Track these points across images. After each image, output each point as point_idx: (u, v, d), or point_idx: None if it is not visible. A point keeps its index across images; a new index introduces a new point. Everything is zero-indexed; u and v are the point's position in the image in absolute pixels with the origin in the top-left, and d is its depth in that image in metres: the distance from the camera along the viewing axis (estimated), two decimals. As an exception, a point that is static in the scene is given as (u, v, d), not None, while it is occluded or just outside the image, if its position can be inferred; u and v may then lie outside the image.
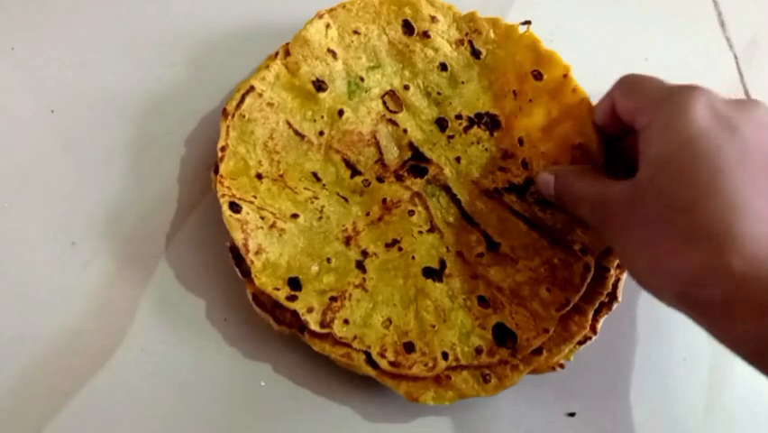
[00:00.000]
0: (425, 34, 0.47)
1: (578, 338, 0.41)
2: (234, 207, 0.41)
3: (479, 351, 0.40)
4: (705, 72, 0.55)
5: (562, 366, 0.41)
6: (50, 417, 0.40)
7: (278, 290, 0.40)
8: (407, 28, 0.47)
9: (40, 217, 0.44)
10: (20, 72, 0.48)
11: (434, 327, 0.41)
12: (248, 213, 0.42)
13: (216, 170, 0.43)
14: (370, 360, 0.40)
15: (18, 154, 0.46)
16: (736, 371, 0.46)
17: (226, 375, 0.42)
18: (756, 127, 0.33)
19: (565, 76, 0.45)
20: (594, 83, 0.45)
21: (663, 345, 0.45)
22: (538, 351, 0.41)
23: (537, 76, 0.45)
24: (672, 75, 0.53)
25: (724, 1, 0.58)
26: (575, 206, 0.39)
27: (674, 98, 0.34)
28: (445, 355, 0.40)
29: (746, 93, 0.55)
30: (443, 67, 0.47)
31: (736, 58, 0.56)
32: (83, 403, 0.40)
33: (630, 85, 0.38)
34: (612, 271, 0.42)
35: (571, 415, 0.43)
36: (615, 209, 0.35)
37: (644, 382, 0.45)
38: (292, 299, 0.40)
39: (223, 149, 0.43)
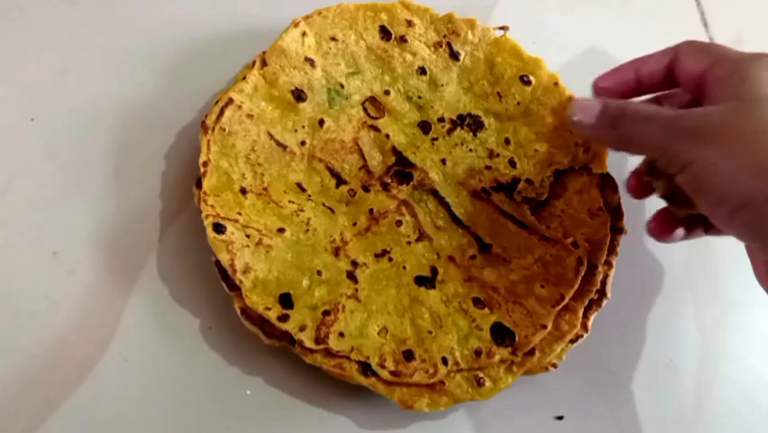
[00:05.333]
0: (402, 39, 0.51)
1: (570, 337, 0.45)
2: (219, 228, 0.44)
3: (478, 353, 0.44)
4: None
5: (554, 366, 0.45)
6: (33, 429, 0.43)
7: (269, 309, 0.43)
8: (384, 33, 0.51)
9: (20, 227, 0.47)
10: None
11: (431, 333, 0.44)
12: (233, 232, 0.45)
13: (199, 185, 0.46)
14: (363, 369, 0.43)
15: None
16: (723, 372, 0.50)
17: (211, 384, 0.45)
18: None
19: (556, 84, 0.49)
20: (577, 83, 0.49)
21: (650, 347, 0.50)
22: (531, 352, 0.44)
23: (525, 80, 0.50)
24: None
25: (707, 0, 0.63)
26: (641, 132, 0.40)
27: (753, 62, 0.39)
28: (445, 361, 0.43)
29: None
30: (422, 71, 0.50)
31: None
32: (67, 414, 0.43)
33: (700, 45, 0.42)
34: (600, 268, 0.46)
35: (560, 418, 0.47)
36: (711, 131, 0.37)
37: (631, 385, 0.49)
38: (284, 318, 0.43)
39: (205, 164, 0.46)
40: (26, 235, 0.47)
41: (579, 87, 0.50)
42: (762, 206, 0.35)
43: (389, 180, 0.49)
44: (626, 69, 0.45)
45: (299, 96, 0.49)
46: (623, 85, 0.45)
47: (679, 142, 0.38)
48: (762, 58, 0.39)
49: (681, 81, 0.43)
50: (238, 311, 0.44)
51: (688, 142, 0.38)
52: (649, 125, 0.40)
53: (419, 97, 0.51)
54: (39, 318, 0.45)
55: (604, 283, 0.47)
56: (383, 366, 0.43)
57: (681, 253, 0.53)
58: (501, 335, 0.44)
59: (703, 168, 0.37)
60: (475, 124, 0.50)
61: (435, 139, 0.50)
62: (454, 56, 0.51)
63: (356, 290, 0.45)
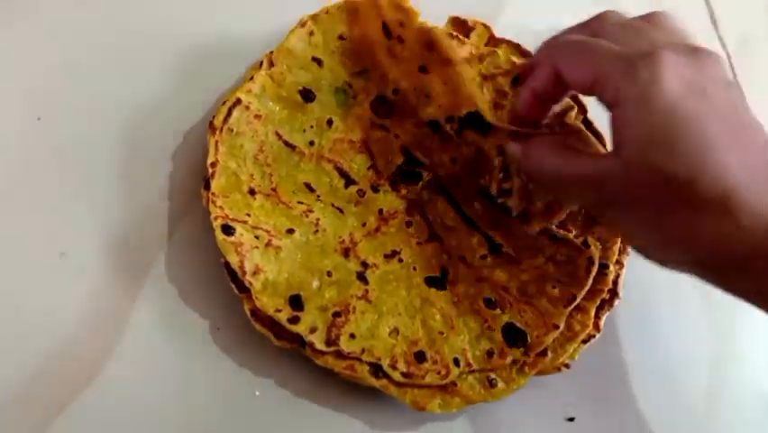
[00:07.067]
0: (400, 39, 0.50)
1: (582, 337, 0.45)
2: (227, 230, 0.45)
3: (490, 354, 0.44)
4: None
5: (567, 366, 0.45)
6: (41, 429, 0.42)
7: (279, 311, 0.43)
8: (386, 31, 0.51)
9: (27, 227, 0.47)
10: (5, 78, 0.50)
11: (442, 334, 0.44)
12: (242, 234, 0.45)
13: (207, 186, 0.46)
14: (375, 371, 0.43)
15: (4, 162, 0.48)
16: (734, 373, 0.51)
17: (220, 385, 0.45)
18: (719, 86, 0.37)
19: None
20: None
21: (662, 347, 0.50)
22: (543, 352, 0.45)
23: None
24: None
25: (715, -1, 0.63)
26: (553, 186, 0.42)
27: (640, 69, 0.36)
28: (457, 362, 0.43)
29: (740, 90, 0.61)
30: (423, 69, 0.50)
31: (728, 56, 0.62)
32: (75, 416, 0.43)
33: (577, 51, 0.39)
34: (611, 268, 0.46)
35: (571, 420, 0.48)
36: (610, 191, 0.38)
37: (642, 385, 0.49)
38: (294, 320, 0.43)
39: (213, 165, 0.46)
40: (33, 236, 0.47)
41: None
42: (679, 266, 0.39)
43: (399, 180, 0.49)
44: (527, 92, 0.43)
45: (307, 95, 0.49)
46: (534, 105, 0.44)
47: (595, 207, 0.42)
48: (638, 71, 0.36)
49: (576, 90, 0.42)
50: (248, 313, 0.44)
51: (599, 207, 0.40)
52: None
53: (426, 96, 0.51)
54: (46, 320, 0.45)
55: (615, 283, 0.47)
56: (395, 368, 0.43)
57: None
58: (513, 335, 0.45)
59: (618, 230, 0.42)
60: (484, 123, 0.50)
61: (445, 139, 0.50)
62: None
63: (366, 291, 0.45)
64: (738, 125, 0.37)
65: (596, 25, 0.42)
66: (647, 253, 0.39)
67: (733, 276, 0.37)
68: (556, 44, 0.42)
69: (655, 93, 0.35)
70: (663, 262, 0.39)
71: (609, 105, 0.38)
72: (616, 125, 0.37)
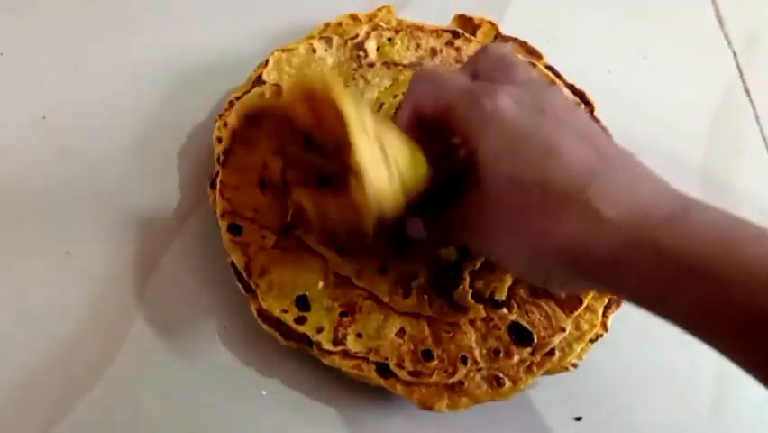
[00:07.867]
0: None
1: (590, 336, 0.45)
2: (234, 230, 0.45)
3: (497, 352, 0.44)
4: (704, 69, 0.60)
5: (575, 366, 0.45)
6: (45, 430, 0.43)
7: (285, 312, 0.43)
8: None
9: (33, 227, 0.47)
10: (9, 78, 0.50)
11: (449, 333, 0.44)
12: (248, 233, 0.45)
13: (213, 185, 0.46)
14: (381, 370, 0.44)
15: (10, 162, 0.48)
16: (743, 375, 0.51)
17: (226, 385, 0.45)
18: (560, 107, 0.38)
19: None
20: (593, 81, 0.50)
21: (670, 348, 0.48)
22: (551, 352, 0.44)
23: None
24: (671, 72, 0.59)
25: (721, -3, 0.63)
26: (447, 236, 0.43)
27: (483, 101, 0.37)
28: (464, 360, 0.43)
29: (746, 89, 0.60)
30: None
31: (734, 54, 0.62)
32: (80, 415, 0.43)
33: (429, 83, 0.41)
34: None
35: (578, 419, 0.47)
36: (473, 221, 0.39)
37: (650, 386, 0.49)
38: (301, 320, 0.43)
39: (225, 152, 0.47)
40: (38, 235, 0.47)
41: (593, 85, 0.51)
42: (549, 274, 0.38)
43: None
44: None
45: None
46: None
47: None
48: (490, 95, 0.38)
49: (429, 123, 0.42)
50: (254, 313, 0.44)
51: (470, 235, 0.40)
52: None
53: None
54: (51, 318, 0.45)
55: (623, 282, 0.47)
56: (402, 367, 0.43)
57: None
58: (520, 335, 0.45)
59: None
60: None
61: None
62: None
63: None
64: (584, 130, 0.37)
65: (477, 57, 0.43)
66: (526, 273, 0.40)
67: (608, 273, 0.35)
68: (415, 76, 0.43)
69: (497, 117, 0.37)
70: (539, 272, 0.38)
71: (461, 139, 0.38)
72: (469, 156, 0.38)
